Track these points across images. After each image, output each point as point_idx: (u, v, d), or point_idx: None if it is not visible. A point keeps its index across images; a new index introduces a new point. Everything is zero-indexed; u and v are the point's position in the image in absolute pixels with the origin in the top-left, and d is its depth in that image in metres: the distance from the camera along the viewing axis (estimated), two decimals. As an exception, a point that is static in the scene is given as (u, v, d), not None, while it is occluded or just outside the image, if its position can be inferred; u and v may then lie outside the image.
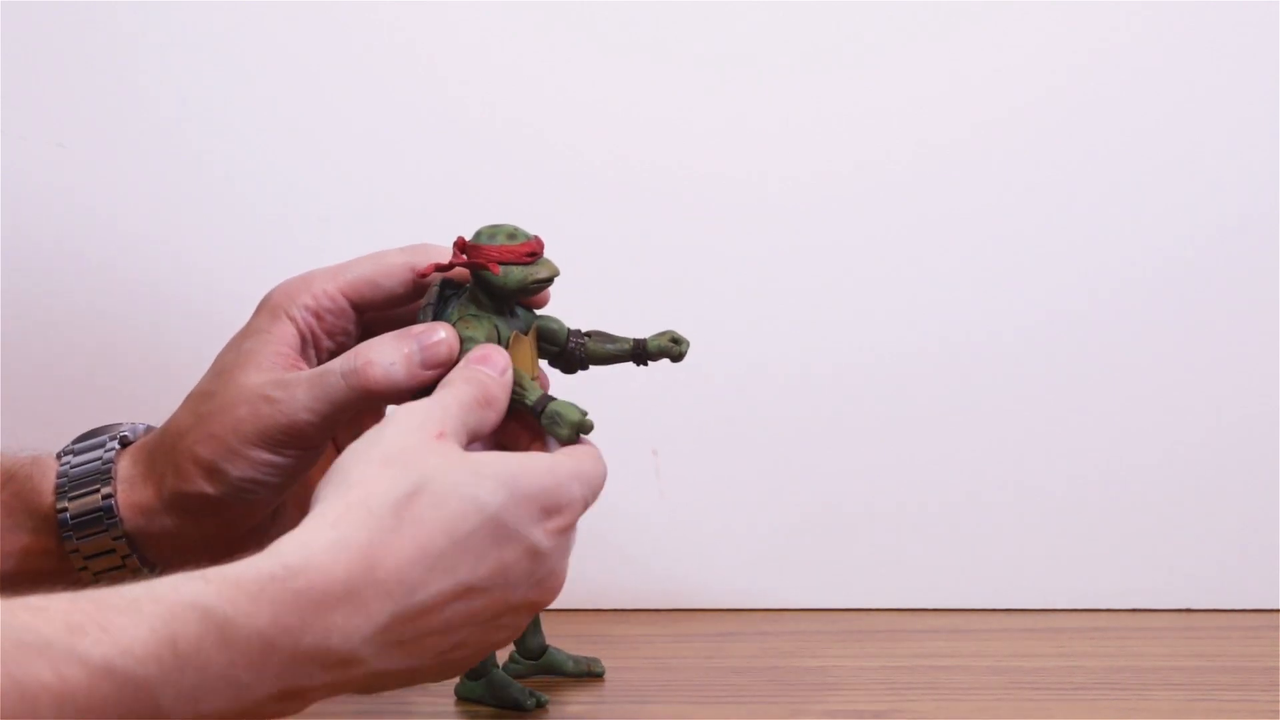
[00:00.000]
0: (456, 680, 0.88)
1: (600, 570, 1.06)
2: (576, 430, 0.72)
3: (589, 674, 0.92)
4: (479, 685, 0.87)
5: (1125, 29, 1.05)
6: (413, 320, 0.76)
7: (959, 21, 1.05)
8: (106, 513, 0.75)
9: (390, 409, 0.72)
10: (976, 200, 1.06)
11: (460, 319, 0.75)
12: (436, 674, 0.65)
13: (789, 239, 1.07)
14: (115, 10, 1.08)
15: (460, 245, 0.76)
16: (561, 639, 0.95)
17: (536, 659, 0.91)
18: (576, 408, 0.72)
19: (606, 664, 0.93)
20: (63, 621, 0.52)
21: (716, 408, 1.07)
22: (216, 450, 0.74)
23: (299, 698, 0.59)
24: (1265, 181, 1.04)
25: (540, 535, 0.65)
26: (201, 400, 0.75)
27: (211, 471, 0.74)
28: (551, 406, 0.72)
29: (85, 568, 0.76)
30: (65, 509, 0.75)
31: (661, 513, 1.07)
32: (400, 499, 0.62)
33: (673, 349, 0.78)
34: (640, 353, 0.79)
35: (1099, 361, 1.06)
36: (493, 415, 0.70)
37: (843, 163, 1.06)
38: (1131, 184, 1.05)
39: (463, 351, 0.74)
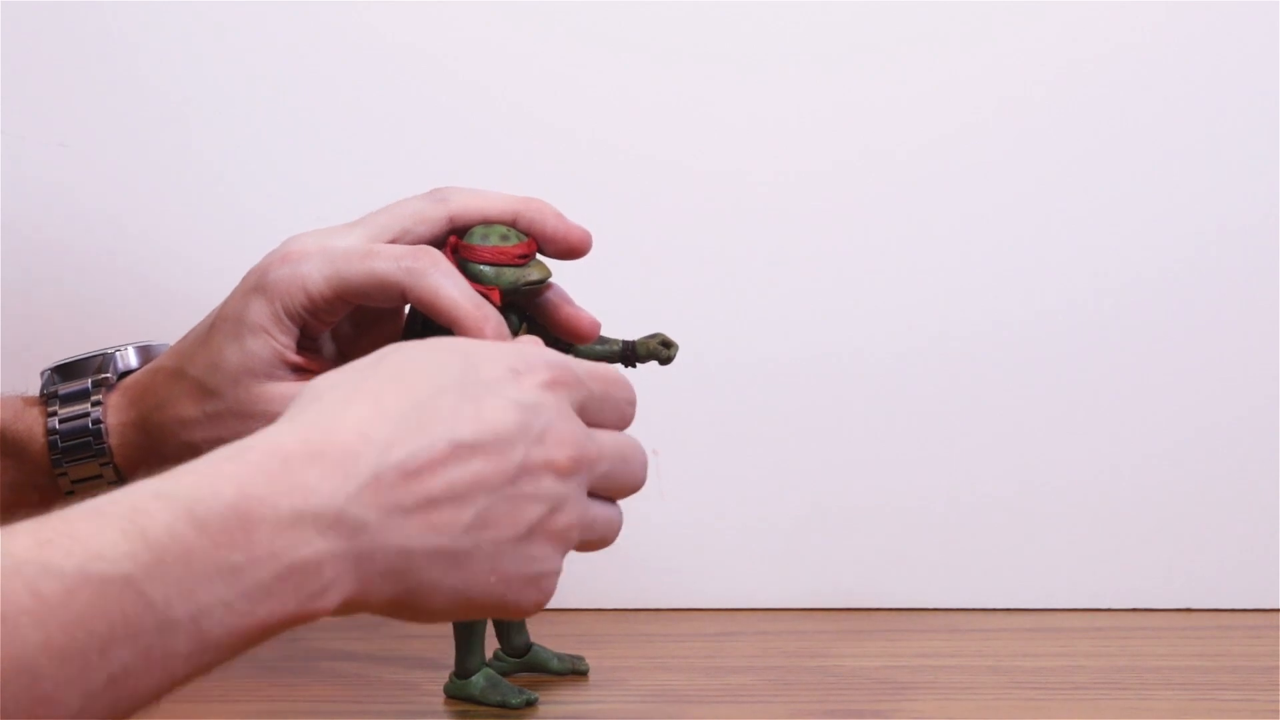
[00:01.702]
0: (450, 681, 0.88)
1: (600, 570, 1.06)
2: None
3: (574, 671, 0.92)
4: (468, 684, 0.87)
5: (1126, 29, 1.05)
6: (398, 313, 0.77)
7: (960, 20, 1.05)
8: (102, 473, 0.76)
9: None
10: (978, 199, 1.06)
11: None
12: (496, 573, 0.61)
13: (790, 237, 1.07)
14: (116, 10, 1.08)
15: (453, 246, 0.76)
16: (562, 638, 0.95)
17: (521, 656, 0.92)
18: None
19: (606, 663, 0.93)
20: (31, 539, 0.51)
21: (716, 408, 1.07)
22: None
23: (311, 574, 0.56)
24: (1266, 181, 1.04)
25: (520, 389, 0.62)
26: (209, 399, 0.75)
27: None
28: None
29: (73, 491, 0.77)
30: (63, 473, 0.76)
31: (661, 513, 1.07)
32: (351, 380, 0.61)
33: (662, 352, 0.78)
34: (629, 354, 0.79)
35: (1099, 361, 1.06)
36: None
37: (844, 160, 1.06)
38: (1133, 183, 1.05)
39: None
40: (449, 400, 0.61)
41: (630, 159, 1.07)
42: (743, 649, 0.98)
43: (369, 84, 1.08)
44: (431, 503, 0.59)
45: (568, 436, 0.63)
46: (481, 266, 0.75)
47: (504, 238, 0.76)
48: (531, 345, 0.66)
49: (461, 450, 0.60)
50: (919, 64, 1.06)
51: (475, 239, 0.76)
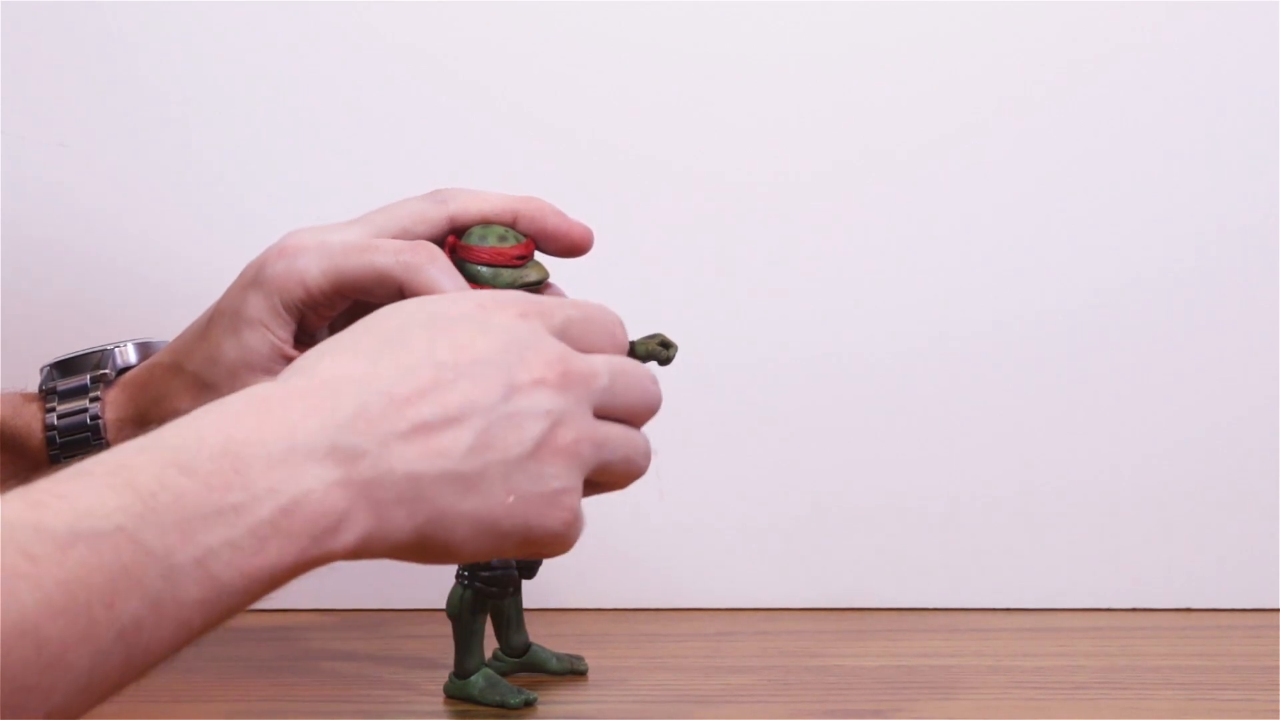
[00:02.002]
0: (449, 681, 0.88)
1: (600, 570, 1.06)
2: None
3: (572, 671, 0.92)
4: (467, 683, 0.87)
5: (1126, 29, 1.05)
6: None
7: (960, 20, 1.05)
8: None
9: None
10: (978, 199, 1.06)
11: None
12: (501, 486, 0.60)
13: (790, 237, 1.07)
14: (116, 10, 1.08)
15: (451, 246, 0.76)
16: (562, 638, 0.95)
17: (520, 656, 0.92)
18: None
19: (606, 663, 0.93)
20: (21, 503, 0.50)
21: (716, 408, 1.07)
22: None
23: (316, 507, 0.55)
24: (1266, 181, 1.04)
25: (491, 320, 0.62)
26: (206, 393, 0.74)
27: None
28: None
29: None
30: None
31: (661, 513, 1.07)
32: (324, 343, 0.61)
33: (661, 352, 0.77)
34: (628, 355, 0.78)
35: (1100, 361, 1.06)
36: None
37: (844, 161, 1.06)
38: (1133, 183, 1.05)
39: None
40: (420, 334, 0.61)
41: (630, 159, 1.07)
42: (743, 649, 0.98)
43: (369, 84, 1.08)
44: (426, 426, 0.59)
45: (551, 355, 0.62)
46: (479, 267, 0.75)
47: (502, 238, 0.76)
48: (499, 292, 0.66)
49: (444, 372, 0.60)
50: (919, 64, 1.06)
51: (473, 239, 0.76)
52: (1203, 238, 1.05)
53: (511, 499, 0.60)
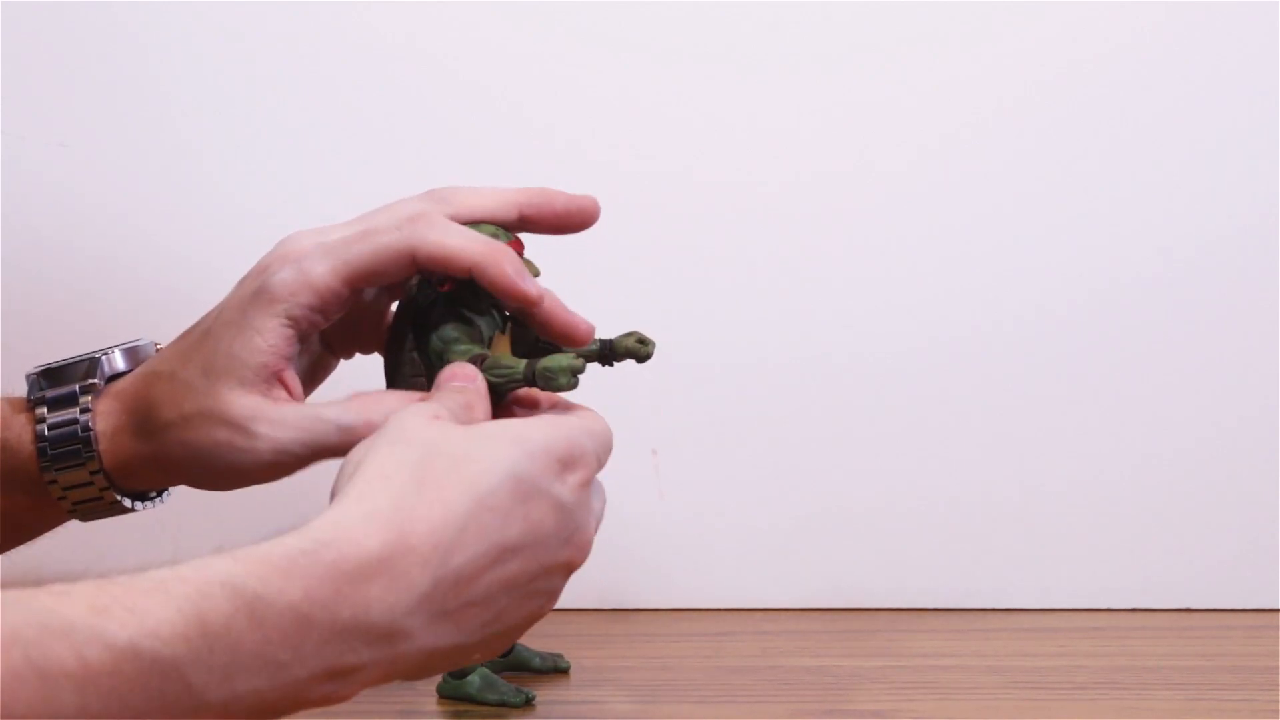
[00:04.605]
0: (443, 681, 0.88)
1: (600, 570, 1.06)
2: (572, 374, 0.71)
3: (555, 669, 0.92)
4: (464, 683, 0.87)
5: (1126, 29, 1.05)
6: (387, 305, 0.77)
7: (960, 20, 1.05)
8: (93, 480, 0.76)
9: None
10: (978, 200, 1.06)
11: (445, 321, 0.75)
12: (480, 651, 0.64)
13: (790, 238, 1.07)
14: (116, 10, 1.08)
15: None
16: (562, 638, 0.95)
17: (504, 655, 0.92)
18: (564, 355, 0.71)
19: (605, 663, 0.93)
20: (87, 604, 0.51)
21: (716, 408, 1.07)
22: (196, 456, 0.73)
23: (345, 677, 0.58)
24: (1266, 181, 1.04)
25: (562, 489, 0.64)
26: (187, 395, 0.73)
27: (192, 474, 0.74)
28: (541, 365, 0.71)
29: (64, 497, 0.76)
30: (53, 481, 0.76)
31: (661, 513, 1.07)
32: (415, 465, 0.61)
33: (639, 350, 0.77)
34: (607, 353, 0.78)
35: (1099, 362, 1.06)
36: (479, 418, 0.70)
37: (844, 161, 1.06)
38: (1133, 184, 1.05)
39: (449, 355, 0.73)
40: (502, 500, 0.62)
41: (630, 159, 1.07)
42: (743, 649, 0.98)
43: (369, 84, 1.08)
44: (467, 606, 0.61)
45: (586, 539, 0.66)
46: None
47: (495, 236, 0.76)
48: (577, 427, 0.67)
49: (506, 553, 0.62)
50: (919, 64, 1.06)
51: None
52: (1203, 238, 1.05)
53: (477, 656, 0.64)
